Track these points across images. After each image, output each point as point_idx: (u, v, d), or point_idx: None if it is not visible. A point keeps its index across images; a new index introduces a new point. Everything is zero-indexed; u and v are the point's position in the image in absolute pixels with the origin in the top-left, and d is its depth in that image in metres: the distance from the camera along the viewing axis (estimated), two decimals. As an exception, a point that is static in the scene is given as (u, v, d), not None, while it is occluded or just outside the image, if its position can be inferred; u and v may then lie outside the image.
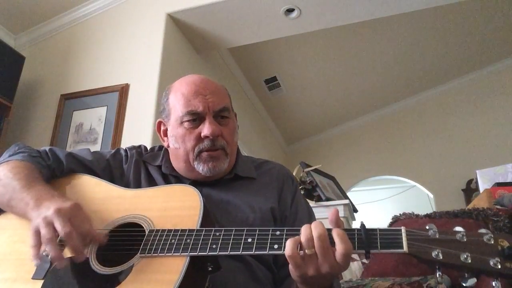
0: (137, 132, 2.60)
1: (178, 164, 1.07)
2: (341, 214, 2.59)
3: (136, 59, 2.86)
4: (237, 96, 4.27)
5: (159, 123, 1.12)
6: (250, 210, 1.00)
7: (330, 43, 4.14)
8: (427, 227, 0.72)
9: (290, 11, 2.97)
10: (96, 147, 2.64)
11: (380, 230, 0.73)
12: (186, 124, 1.02)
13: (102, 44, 3.03)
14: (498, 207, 1.64)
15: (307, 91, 4.84)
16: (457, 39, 4.43)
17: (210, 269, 0.81)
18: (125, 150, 1.15)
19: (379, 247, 0.72)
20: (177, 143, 1.04)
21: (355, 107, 5.32)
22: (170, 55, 2.89)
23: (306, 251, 0.72)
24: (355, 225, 3.12)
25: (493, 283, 0.66)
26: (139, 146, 1.17)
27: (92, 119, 2.76)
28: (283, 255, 0.99)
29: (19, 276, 0.87)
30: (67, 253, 0.88)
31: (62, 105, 2.89)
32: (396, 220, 1.53)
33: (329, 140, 5.65)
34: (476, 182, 2.46)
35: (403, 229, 0.72)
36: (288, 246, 0.74)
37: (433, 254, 0.67)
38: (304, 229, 0.75)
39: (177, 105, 1.04)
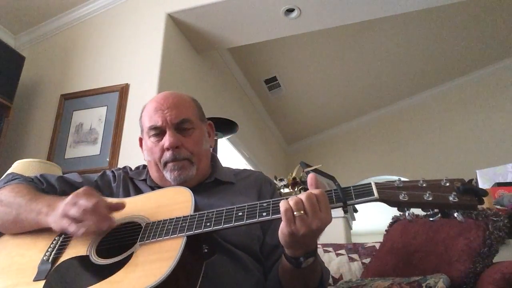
0: (137, 132, 2.57)
1: (154, 175, 1.15)
2: (341, 214, 2.60)
3: (136, 59, 2.86)
4: (237, 96, 4.27)
5: (140, 140, 1.21)
6: None
7: (330, 43, 4.15)
8: (391, 180, 0.82)
9: (290, 11, 2.97)
10: (96, 147, 2.64)
11: (354, 186, 0.84)
12: (152, 138, 1.12)
13: (102, 44, 3.03)
14: (498, 207, 1.64)
15: (307, 91, 4.84)
16: (457, 39, 4.43)
17: (205, 250, 0.85)
18: (112, 171, 1.21)
19: (354, 198, 0.81)
20: (148, 156, 1.14)
21: (355, 107, 5.32)
22: (170, 55, 2.89)
23: (295, 213, 0.79)
24: (355, 225, 3.12)
25: (455, 214, 0.76)
26: (124, 167, 1.25)
27: (92, 119, 2.76)
28: (269, 244, 1.07)
29: (21, 281, 0.89)
30: (72, 252, 0.90)
31: (62, 105, 2.89)
32: (396, 220, 1.53)
33: (329, 140, 5.65)
34: (476, 182, 2.46)
35: (372, 182, 0.82)
36: (282, 203, 0.81)
37: (400, 197, 0.78)
38: (291, 197, 0.82)
39: (144, 122, 1.16)
